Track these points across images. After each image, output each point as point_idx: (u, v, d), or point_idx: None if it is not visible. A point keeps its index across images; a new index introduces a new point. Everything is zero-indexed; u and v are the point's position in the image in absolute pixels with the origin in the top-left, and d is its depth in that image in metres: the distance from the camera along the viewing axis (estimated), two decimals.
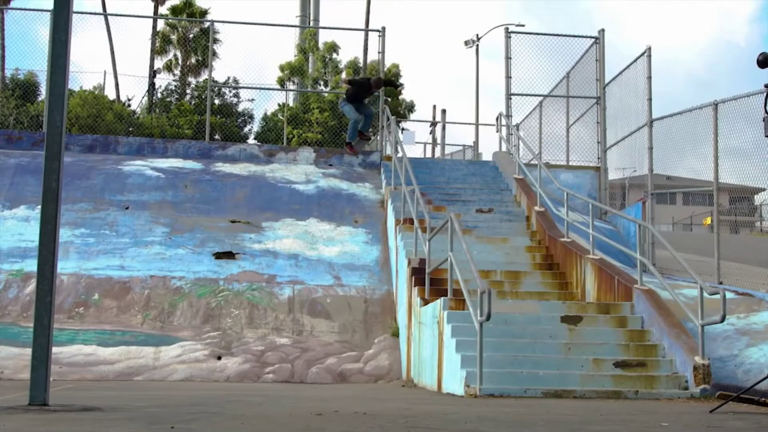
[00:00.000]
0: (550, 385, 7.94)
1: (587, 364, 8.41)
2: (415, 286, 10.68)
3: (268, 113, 28.36)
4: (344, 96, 14.79)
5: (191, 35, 29.07)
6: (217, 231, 13.83)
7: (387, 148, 17.00)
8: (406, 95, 31.02)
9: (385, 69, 19.50)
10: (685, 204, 39.46)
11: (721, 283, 12.04)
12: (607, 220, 16.24)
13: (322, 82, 29.36)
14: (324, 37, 29.75)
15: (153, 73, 26.00)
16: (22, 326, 11.30)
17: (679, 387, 8.11)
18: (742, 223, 22.84)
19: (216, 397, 7.35)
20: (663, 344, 8.80)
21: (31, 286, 11.57)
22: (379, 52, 17.94)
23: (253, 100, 28.13)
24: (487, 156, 23.12)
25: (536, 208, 13.43)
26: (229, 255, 13.19)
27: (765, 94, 5.59)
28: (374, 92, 15.16)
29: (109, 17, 26.29)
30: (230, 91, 27.65)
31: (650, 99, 14.86)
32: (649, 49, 15.05)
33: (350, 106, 14.54)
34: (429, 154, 26.71)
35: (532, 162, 15.11)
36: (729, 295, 9.36)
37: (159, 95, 26.40)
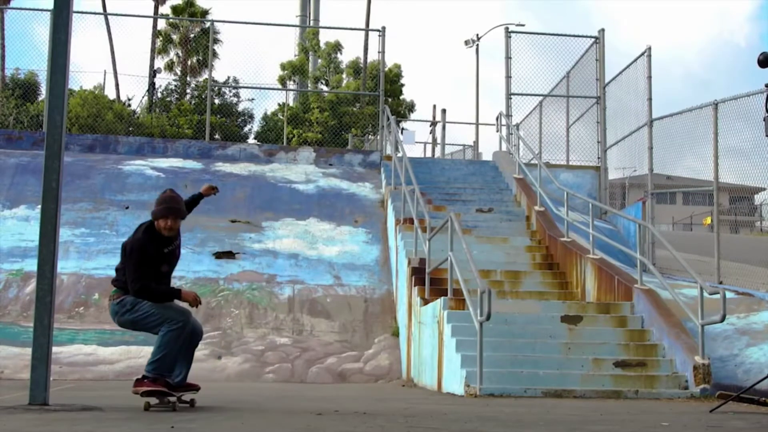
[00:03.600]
0: (550, 385, 7.94)
1: (587, 364, 8.41)
2: (415, 285, 10.68)
3: (268, 113, 28.45)
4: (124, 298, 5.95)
5: (192, 35, 29.10)
6: (217, 230, 13.83)
7: (387, 147, 17.00)
8: (406, 95, 31.03)
9: (386, 69, 19.51)
10: (685, 204, 39.43)
11: (721, 282, 12.03)
12: (607, 220, 16.24)
13: (324, 82, 29.40)
14: (325, 36, 29.82)
15: (153, 73, 26.01)
16: (22, 326, 11.30)
17: (679, 387, 8.11)
18: (742, 223, 22.82)
19: (216, 397, 7.34)
20: (663, 344, 8.80)
21: (31, 286, 11.57)
22: (379, 52, 17.99)
23: (253, 99, 28.22)
24: (487, 156, 23.14)
25: (536, 207, 13.42)
26: (229, 255, 13.19)
27: (765, 93, 5.59)
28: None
29: (109, 17, 26.31)
30: (230, 91, 27.69)
31: (650, 99, 14.85)
32: (649, 48, 15.05)
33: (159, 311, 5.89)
34: (429, 154, 26.71)
35: (532, 162, 15.11)
36: (729, 294, 9.35)
37: (159, 95, 26.42)
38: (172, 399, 5.80)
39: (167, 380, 5.79)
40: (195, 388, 6.07)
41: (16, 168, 15.05)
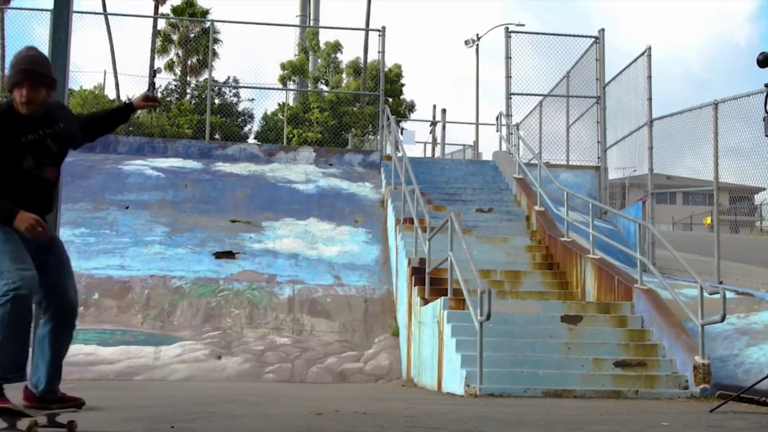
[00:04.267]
0: (550, 385, 7.94)
1: (587, 364, 8.41)
2: (415, 285, 10.68)
3: (268, 113, 28.48)
4: None
5: (192, 35, 29.11)
6: (217, 230, 13.83)
7: (387, 147, 17.00)
8: (407, 95, 31.06)
9: (386, 69, 19.51)
10: (685, 204, 39.41)
11: (721, 282, 12.03)
12: (607, 220, 16.24)
13: (324, 82, 29.43)
14: (325, 36, 29.84)
15: (153, 73, 26.02)
16: None
17: (679, 387, 8.11)
18: (742, 222, 22.82)
19: (216, 397, 7.35)
20: (663, 344, 8.79)
21: None
22: (379, 52, 18.00)
23: (253, 99, 28.30)
24: (487, 156, 23.14)
25: (536, 207, 13.43)
26: (229, 254, 13.19)
27: (765, 93, 5.59)
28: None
29: (109, 17, 26.31)
30: (230, 91, 27.72)
31: (650, 99, 14.85)
32: (649, 48, 15.05)
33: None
34: (429, 154, 26.73)
35: (532, 161, 15.11)
36: (729, 294, 9.35)
37: (159, 95, 26.42)
38: (40, 420, 3.58)
39: (29, 389, 3.72)
40: (76, 402, 3.90)
41: None
